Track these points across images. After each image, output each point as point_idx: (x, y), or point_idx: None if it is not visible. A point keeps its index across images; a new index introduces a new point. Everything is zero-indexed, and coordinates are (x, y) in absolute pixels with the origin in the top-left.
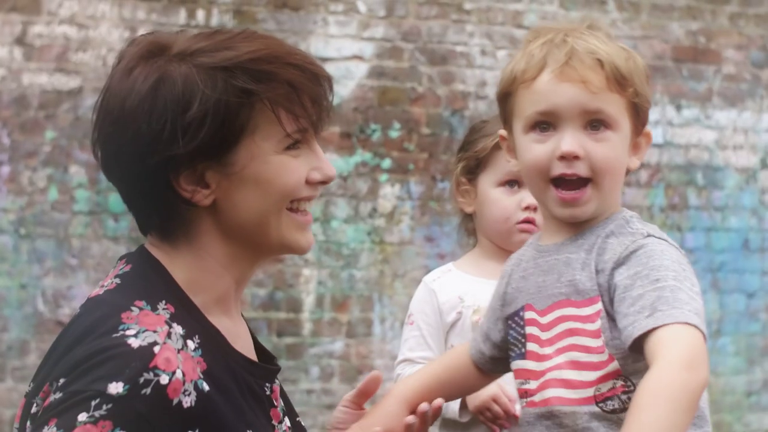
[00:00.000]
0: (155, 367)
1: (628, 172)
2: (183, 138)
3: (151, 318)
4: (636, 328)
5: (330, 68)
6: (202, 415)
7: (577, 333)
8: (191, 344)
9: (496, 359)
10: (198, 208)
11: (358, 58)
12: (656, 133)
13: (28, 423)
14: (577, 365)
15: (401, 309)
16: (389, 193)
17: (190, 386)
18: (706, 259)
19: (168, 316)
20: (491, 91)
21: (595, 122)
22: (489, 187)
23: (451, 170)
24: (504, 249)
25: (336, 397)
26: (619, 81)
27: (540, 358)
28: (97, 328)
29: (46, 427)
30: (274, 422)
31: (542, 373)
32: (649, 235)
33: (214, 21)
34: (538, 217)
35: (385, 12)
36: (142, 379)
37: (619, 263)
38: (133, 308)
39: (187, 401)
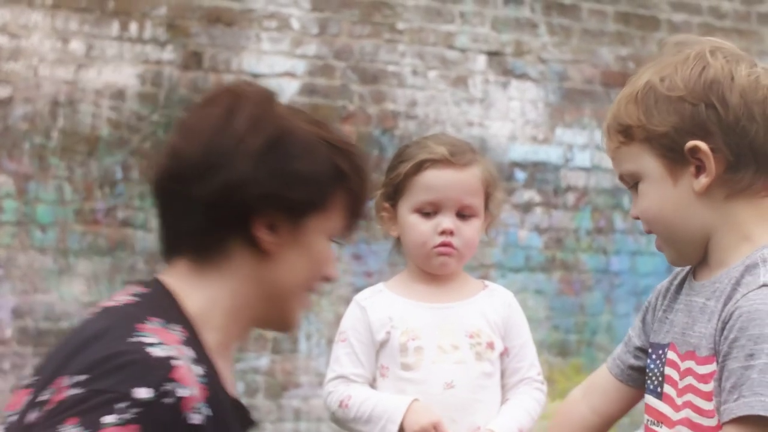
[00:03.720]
0: (174, 380)
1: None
2: (285, 186)
3: (167, 334)
4: (725, 413)
5: (261, 84)
6: None
7: (695, 391)
8: (199, 370)
9: (634, 368)
10: (250, 250)
11: (290, 75)
12: (584, 157)
13: (34, 411)
14: (692, 426)
15: (327, 326)
16: None
17: (199, 405)
18: (631, 283)
19: (181, 337)
20: (421, 111)
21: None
22: (406, 212)
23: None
24: (435, 275)
25: (260, 412)
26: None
27: (675, 407)
28: (112, 330)
29: (66, 425)
30: None
31: (674, 423)
32: (764, 285)
33: (147, 34)
34: (455, 240)
35: (318, 30)
36: (164, 388)
37: (725, 320)
38: (148, 321)
39: (197, 419)
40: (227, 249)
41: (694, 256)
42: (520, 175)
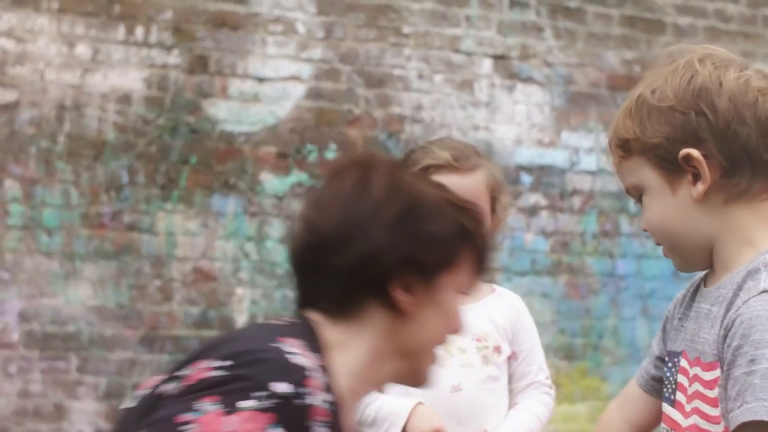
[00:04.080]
0: (308, 387)
1: None
2: (419, 249)
3: (306, 353)
4: (731, 420)
5: (267, 88)
6: None
7: (701, 398)
8: (327, 397)
9: (656, 378)
10: (387, 309)
11: (295, 78)
12: (590, 161)
13: (170, 384)
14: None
15: None
16: None
17: (322, 421)
18: (637, 286)
19: (318, 363)
20: (427, 115)
21: None
22: None
23: None
24: None
25: None
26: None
27: (685, 413)
28: (256, 334)
29: (205, 400)
30: None
31: (684, 430)
32: (765, 291)
33: (153, 38)
34: None
35: (323, 34)
36: (299, 390)
37: (728, 328)
38: (291, 338)
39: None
40: (364, 309)
41: (700, 263)
42: (526, 178)
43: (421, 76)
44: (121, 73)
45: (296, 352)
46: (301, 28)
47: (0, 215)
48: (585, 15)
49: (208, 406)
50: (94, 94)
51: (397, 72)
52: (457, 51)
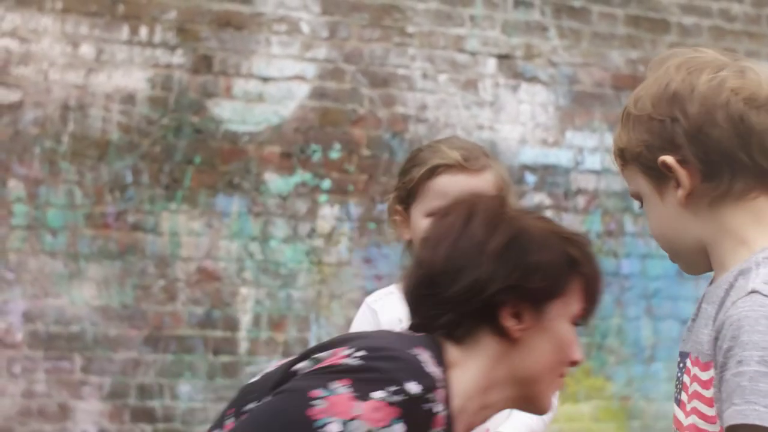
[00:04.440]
0: (436, 395)
1: None
2: (526, 277)
3: (436, 367)
4: (724, 421)
5: (271, 88)
6: None
7: (699, 397)
8: (447, 410)
9: None
10: (498, 336)
11: (300, 78)
12: (594, 160)
13: (305, 361)
14: (698, 431)
15: (338, 329)
16: (328, 213)
17: (441, 430)
18: (641, 286)
19: (443, 377)
20: (431, 115)
21: None
22: (419, 217)
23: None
24: None
25: None
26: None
27: (686, 413)
28: (393, 338)
29: (338, 383)
30: None
31: (684, 429)
32: (753, 292)
33: (157, 38)
34: None
35: (327, 33)
36: (429, 396)
37: (719, 330)
38: (423, 349)
39: None
40: (477, 336)
41: (702, 266)
42: (530, 178)
43: (425, 76)
44: (125, 73)
45: (429, 362)
46: (305, 28)
47: (4, 215)
48: (589, 15)
49: (341, 388)
50: (98, 94)
51: (401, 72)
52: (461, 51)
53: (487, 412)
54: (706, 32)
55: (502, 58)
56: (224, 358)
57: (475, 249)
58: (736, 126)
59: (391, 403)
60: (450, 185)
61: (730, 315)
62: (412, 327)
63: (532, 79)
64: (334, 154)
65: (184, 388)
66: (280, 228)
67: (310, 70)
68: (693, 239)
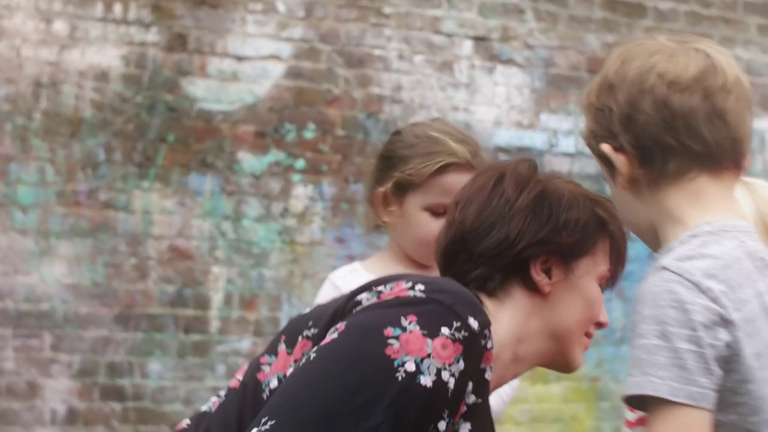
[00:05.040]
0: (490, 332)
1: None
2: (555, 232)
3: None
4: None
5: (246, 67)
6: (472, 407)
7: None
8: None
9: None
10: (529, 290)
11: (275, 57)
12: (568, 143)
13: (364, 293)
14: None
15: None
16: (301, 193)
17: (491, 366)
18: None
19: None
20: (406, 96)
21: None
22: (416, 208)
23: (368, 175)
24: (419, 263)
25: None
26: None
27: None
28: (447, 280)
29: (407, 319)
30: None
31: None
32: (661, 268)
33: (132, 15)
34: None
35: (304, 13)
36: (486, 332)
37: (633, 305)
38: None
39: (488, 377)
40: (508, 290)
41: (659, 246)
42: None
43: (401, 57)
44: (99, 50)
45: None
46: (281, 7)
47: None
48: None
49: (411, 324)
50: (71, 71)
51: (377, 52)
52: (437, 32)
53: (518, 366)
54: (682, 17)
55: (479, 40)
56: (195, 337)
57: (505, 205)
58: (661, 110)
59: (455, 340)
60: (457, 183)
61: (638, 290)
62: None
63: (508, 62)
64: (309, 134)
65: (154, 366)
66: (253, 207)
67: (286, 49)
68: (644, 221)
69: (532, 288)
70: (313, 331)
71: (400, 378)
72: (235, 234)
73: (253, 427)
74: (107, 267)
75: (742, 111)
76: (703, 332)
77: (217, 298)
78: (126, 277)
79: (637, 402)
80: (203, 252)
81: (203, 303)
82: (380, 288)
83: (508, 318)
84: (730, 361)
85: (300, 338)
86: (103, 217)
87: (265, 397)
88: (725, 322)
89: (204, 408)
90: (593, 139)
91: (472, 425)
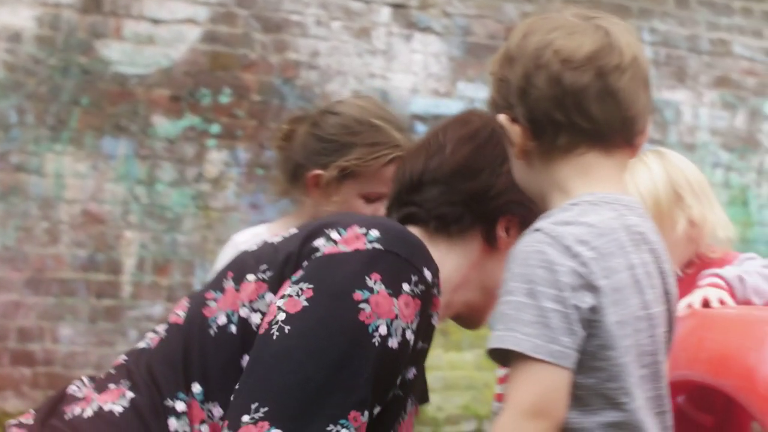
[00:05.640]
0: (438, 279)
1: None
2: (529, 198)
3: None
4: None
5: (162, 30)
6: (420, 351)
7: None
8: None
9: None
10: (484, 242)
11: (191, 21)
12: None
13: (320, 239)
14: None
15: None
16: (216, 158)
17: (436, 312)
18: None
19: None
20: (323, 62)
21: None
22: (353, 194)
23: (294, 148)
24: None
25: None
26: None
27: None
28: (394, 223)
29: (368, 278)
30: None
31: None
32: (536, 230)
33: None
34: None
35: None
36: (435, 281)
37: None
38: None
39: (435, 324)
40: (467, 236)
41: None
42: (421, 128)
43: (318, 23)
44: (12, 11)
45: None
46: None
47: None
48: None
49: (376, 284)
50: None
51: (294, 18)
52: None
53: (445, 311)
54: None
55: (397, 7)
56: (107, 302)
57: (498, 160)
58: (552, 87)
59: (414, 296)
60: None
61: (512, 249)
62: (399, 216)
63: (426, 29)
64: (224, 99)
65: (65, 331)
66: (167, 171)
67: (202, 13)
68: (536, 189)
69: (489, 241)
70: (268, 274)
71: (376, 344)
72: (148, 198)
73: (242, 414)
74: (18, 230)
75: (636, 90)
76: (569, 293)
77: (129, 263)
78: (37, 241)
79: (500, 356)
80: (116, 216)
81: (115, 268)
82: (333, 234)
83: (456, 264)
84: (592, 326)
85: (251, 277)
86: (14, 180)
87: (212, 333)
88: (591, 287)
89: (141, 344)
90: (494, 108)
91: (417, 369)
